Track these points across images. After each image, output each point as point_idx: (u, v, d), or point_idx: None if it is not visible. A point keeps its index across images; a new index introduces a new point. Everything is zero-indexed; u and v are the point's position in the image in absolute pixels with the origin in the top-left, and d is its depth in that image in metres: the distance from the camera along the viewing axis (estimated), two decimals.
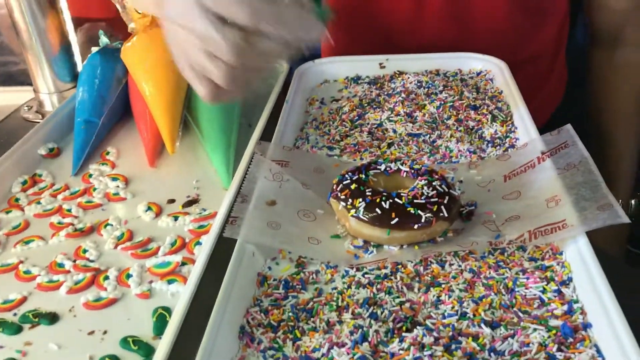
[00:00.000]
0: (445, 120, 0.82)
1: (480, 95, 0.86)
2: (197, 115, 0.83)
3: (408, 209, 0.58)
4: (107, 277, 0.60)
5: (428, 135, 0.79)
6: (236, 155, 0.78)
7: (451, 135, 0.78)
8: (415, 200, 0.59)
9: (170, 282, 0.59)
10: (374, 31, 1.03)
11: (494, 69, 0.93)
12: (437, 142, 0.78)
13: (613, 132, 1.02)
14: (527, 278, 0.55)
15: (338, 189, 0.62)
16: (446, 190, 0.60)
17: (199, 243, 0.64)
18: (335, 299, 0.54)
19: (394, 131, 0.80)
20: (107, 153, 0.82)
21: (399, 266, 0.58)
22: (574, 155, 0.65)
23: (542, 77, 1.04)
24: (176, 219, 0.68)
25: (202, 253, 0.59)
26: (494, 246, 0.58)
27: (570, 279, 0.54)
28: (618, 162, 1.02)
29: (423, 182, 0.62)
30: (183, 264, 0.61)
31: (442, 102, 0.84)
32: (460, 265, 0.57)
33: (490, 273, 0.56)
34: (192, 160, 0.79)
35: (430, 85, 0.89)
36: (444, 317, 0.51)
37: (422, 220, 0.58)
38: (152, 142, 0.81)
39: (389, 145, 0.78)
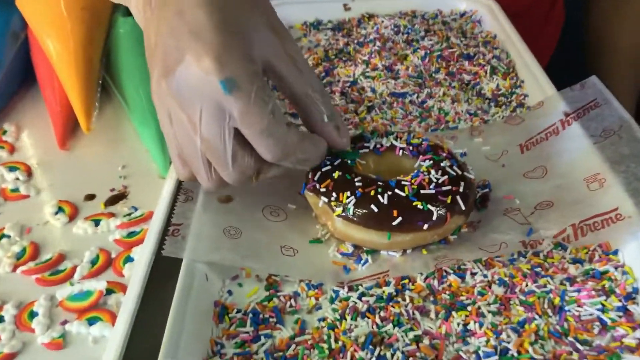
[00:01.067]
0: (433, 74, 0.66)
1: (471, 42, 0.71)
2: (120, 78, 0.64)
3: (414, 203, 0.43)
4: (0, 319, 0.43)
5: (415, 95, 0.63)
6: None
7: (444, 94, 0.63)
8: (422, 191, 0.44)
9: (91, 321, 0.42)
10: None
11: (481, 10, 0.78)
12: (428, 103, 0.62)
13: (612, 75, 0.90)
14: (578, 290, 0.41)
15: (315, 178, 0.46)
16: (459, 173, 0.45)
17: (129, 259, 0.47)
18: (325, 337, 0.39)
19: (373, 90, 0.64)
20: (4, 132, 0.63)
21: (406, 281, 0.43)
22: (609, 118, 0.51)
23: (539, 25, 0.90)
24: (97, 223, 0.51)
25: (134, 275, 0.43)
26: (528, 248, 0.44)
27: (636, 291, 0.41)
28: None
29: (427, 162, 0.46)
30: (109, 291, 0.45)
31: (428, 51, 0.68)
32: (485, 275, 0.43)
33: (527, 285, 0.42)
34: (116, 139, 0.61)
35: (409, 31, 0.73)
36: (479, 358, 0.37)
37: (434, 217, 0.43)
38: (62, 117, 0.62)
39: (369, 110, 0.62)
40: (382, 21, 0.74)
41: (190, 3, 0.39)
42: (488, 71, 0.65)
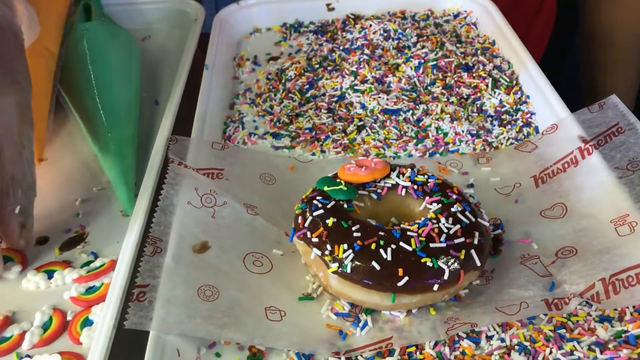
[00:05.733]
0: (429, 87, 0.60)
1: (468, 48, 0.65)
2: (78, 95, 0.56)
3: (422, 259, 0.37)
4: None
5: (410, 111, 0.57)
6: (140, 151, 0.54)
7: (442, 110, 0.57)
8: (431, 245, 0.37)
9: None
10: None
11: (476, 10, 0.71)
12: (424, 121, 0.56)
13: (609, 66, 0.85)
14: (611, 359, 0.36)
15: (306, 224, 0.40)
16: (473, 220, 0.39)
17: (88, 322, 0.40)
18: None
19: (363, 106, 0.58)
20: None
21: (412, 349, 0.37)
22: (635, 146, 0.46)
23: (530, 17, 0.84)
24: (50, 275, 0.43)
25: (94, 345, 0.36)
26: (553, 309, 0.38)
27: None
28: None
29: (435, 206, 0.40)
30: None
31: (422, 61, 0.62)
32: (502, 339, 0.37)
33: (552, 352, 0.36)
34: (73, 167, 0.53)
35: (400, 36, 0.66)
36: None
37: (445, 276, 0.37)
38: None
39: (359, 129, 0.55)
40: (370, 25, 0.67)
41: None
42: (489, 84, 0.59)
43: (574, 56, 0.91)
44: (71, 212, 0.49)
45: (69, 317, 0.40)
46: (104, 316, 0.38)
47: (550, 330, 0.38)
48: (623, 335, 0.37)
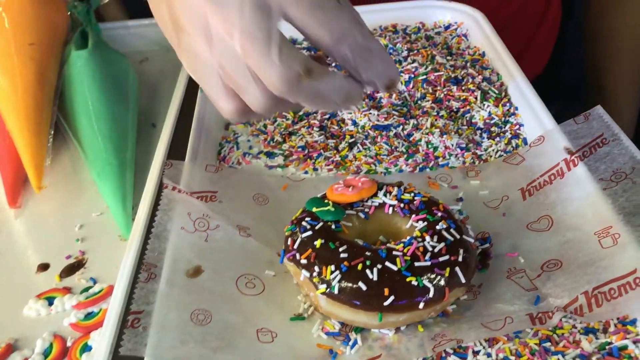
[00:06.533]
0: (419, 102, 0.61)
1: (458, 61, 0.66)
2: (75, 121, 0.58)
3: (408, 278, 0.38)
4: None
5: (400, 127, 0.58)
6: (139, 174, 0.55)
7: (432, 125, 0.58)
8: (416, 263, 0.38)
9: None
10: None
11: (467, 21, 0.72)
12: (414, 136, 0.57)
13: (613, 68, 0.85)
14: None
15: (295, 246, 0.41)
16: (457, 237, 0.40)
17: (87, 348, 0.42)
18: None
19: (354, 123, 0.59)
20: None
21: None
22: (619, 157, 0.46)
23: (529, 33, 0.85)
24: (51, 302, 0.45)
25: None
26: (537, 324, 0.39)
27: None
28: (617, 113, 0.86)
29: (421, 224, 0.41)
30: None
31: (412, 75, 0.63)
32: (489, 354, 0.38)
33: None
34: (73, 192, 0.55)
35: (391, 50, 0.67)
36: None
37: (431, 294, 0.38)
38: (12, 167, 0.56)
39: (351, 146, 0.56)
40: None
41: None
42: (478, 97, 0.60)
43: (578, 57, 0.91)
44: (71, 238, 0.50)
45: (68, 343, 0.42)
46: (101, 342, 0.39)
47: (535, 344, 0.38)
48: (607, 347, 0.38)
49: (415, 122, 0.58)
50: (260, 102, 0.38)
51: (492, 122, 0.58)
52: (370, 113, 0.59)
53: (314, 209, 0.42)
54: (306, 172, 0.54)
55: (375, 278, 0.38)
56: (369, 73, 0.39)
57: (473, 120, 0.58)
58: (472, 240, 0.41)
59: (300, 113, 0.61)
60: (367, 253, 0.39)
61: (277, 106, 0.39)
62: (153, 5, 0.41)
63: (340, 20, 0.37)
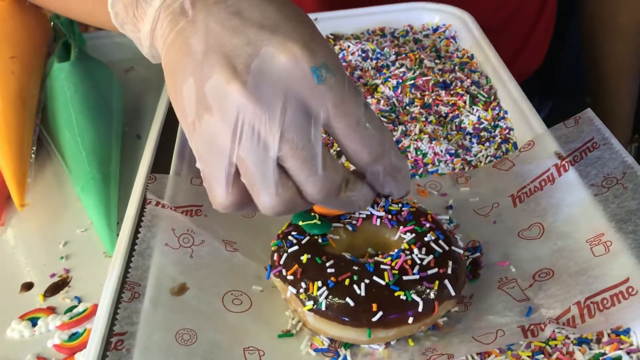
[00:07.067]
0: (407, 107, 0.60)
1: (447, 64, 0.65)
2: (58, 135, 0.57)
3: (396, 293, 0.37)
4: None
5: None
6: (124, 188, 0.54)
7: (420, 131, 0.57)
8: (404, 277, 0.38)
9: None
10: None
11: (455, 23, 0.71)
12: (403, 143, 0.56)
13: (611, 57, 0.85)
14: None
15: (281, 261, 0.40)
16: (446, 248, 0.39)
17: None
18: None
19: None
20: None
21: None
22: (610, 162, 0.46)
23: (526, 32, 0.84)
24: (35, 323, 0.44)
25: None
26: (529, 336, 0.38)
27: None
28: (616, 105, 0.85)
29: (409, 236, 0.40)
30: None
31: (400, 80, 0.62)
32: None
33: None
34: (56, 208, 0.54)
35: (379, 55, 0.66)
36: None
37: (420, 308, 0.37)
38: None
39: (339, 155, 0.56)
40: (349, 46, 0.67)
41: (248, 3, 0.35)
42: (467, 101, 0.59)
43: (575, 48, 0.90)
44: (56, 256, 0.49)
45: None
46: None
47: (528, 357, 0.37)
48: (600, 358, 0.37)
49: (404, 129, 0.57)
50: (274, 206, 0.35)
51: (482, 126, 0.57)
52: None
53: (300, 223, 0.41)
54: None
55: (363, 293, 0.37)
56: (390, 188, 0.39)
57: (462, 125, 0.58)
58: (461, 252, 0.40)
59: None
60: (355, 267, 0.38)
61: (289, 211, 0.36)
62: (171, 73, 0.36)
63: (382, 141, 0.36)
